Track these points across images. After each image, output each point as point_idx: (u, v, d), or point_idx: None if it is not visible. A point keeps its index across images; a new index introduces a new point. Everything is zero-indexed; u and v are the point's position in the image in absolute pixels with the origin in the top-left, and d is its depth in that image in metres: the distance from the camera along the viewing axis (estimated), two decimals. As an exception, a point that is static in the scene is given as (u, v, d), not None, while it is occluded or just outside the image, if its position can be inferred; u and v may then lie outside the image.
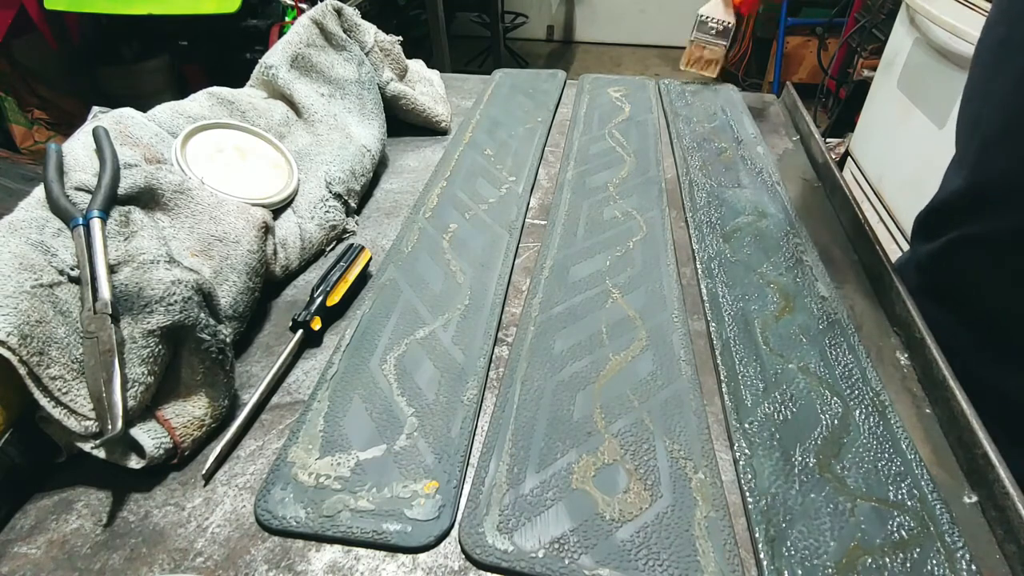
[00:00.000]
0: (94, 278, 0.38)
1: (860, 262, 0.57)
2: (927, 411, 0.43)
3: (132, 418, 0.36)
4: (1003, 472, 0.35)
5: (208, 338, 0.39)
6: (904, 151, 1.54)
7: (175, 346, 0.39)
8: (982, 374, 0.48)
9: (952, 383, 0.41)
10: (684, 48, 1.02)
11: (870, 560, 0.33)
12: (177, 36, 1.97)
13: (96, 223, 0.41)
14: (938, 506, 0.35)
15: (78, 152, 0.48)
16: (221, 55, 1.90)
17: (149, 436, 0.37)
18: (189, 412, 0.39)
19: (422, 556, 0.34)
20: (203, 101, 0.63)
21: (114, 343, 0.36)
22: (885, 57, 1.67)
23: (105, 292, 0.37)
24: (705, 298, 0.52)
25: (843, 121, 2.31)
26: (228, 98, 0.64)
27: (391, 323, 0.49)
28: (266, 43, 1.75)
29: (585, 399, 0.42)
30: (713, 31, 0.95)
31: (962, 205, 0.53)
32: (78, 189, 0.44)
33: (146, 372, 0.37)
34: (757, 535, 0.34)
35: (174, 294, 0.38)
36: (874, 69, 1.81)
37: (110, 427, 0.34)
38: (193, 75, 2.03)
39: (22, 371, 0.33)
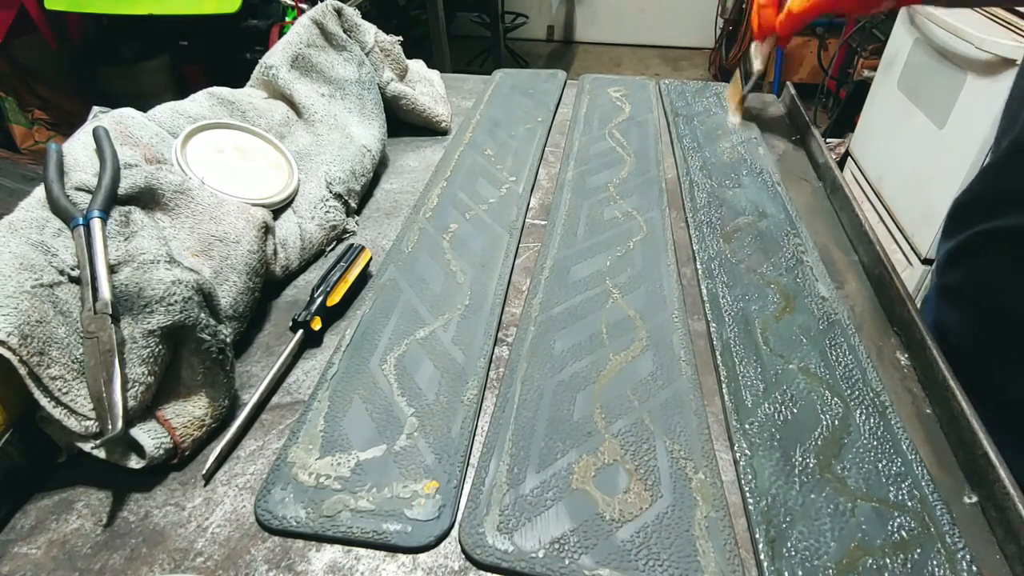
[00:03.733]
0: (94, 278, 0.38)
1: (860, 262, 0.57)
2: (927, 411, 0.43)
3: (132, 418, 0.36)
4: (1003, 472, 0.35)
5: (208, 338, 0.39)
6: (904, 151, 1.54)
7: (175, 346, 0.39)
8: (991, 379, 0.48)
9: (952, 383, 0.41)
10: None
11: (871, 561, 0.33)
12: (177, 36, 1.97)
13: (96, 223, 0.41)
14: (938, 506, 0.35)
15: (78, 152, 0.48)
16: (221, 55, 1.91)
17: (149, 436, 0.37)
18: (189, 412, 0.39)
19: (422, 556, 0.34)
20: (203, 101, 0.63)
21: (114, 343, 0.36)
22: (885, 57, 1.67)
23: (105, 292, 0.37)
24: (705, 298, 0.52)
25: (843, 121, 2.31)
26: (228, 98, 0.64)
27: (391, 323, 0.49)
28: (266, 43, 1.75)
29: (585, 399, 0.42)
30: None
31: (991, 198, 0.53)
32: (78, 189, 0.44)
33: (146, 372, 0.37)
34: (757, 535, 0.34)
35: (174, 294, 0.38)
36: (874, 69, 1.81)
37: (110, 427, 0.34)
38: (193, 75, 2.04)
39: (22, 371, 0.33)
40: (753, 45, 0.73)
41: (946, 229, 0.59)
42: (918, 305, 0.51)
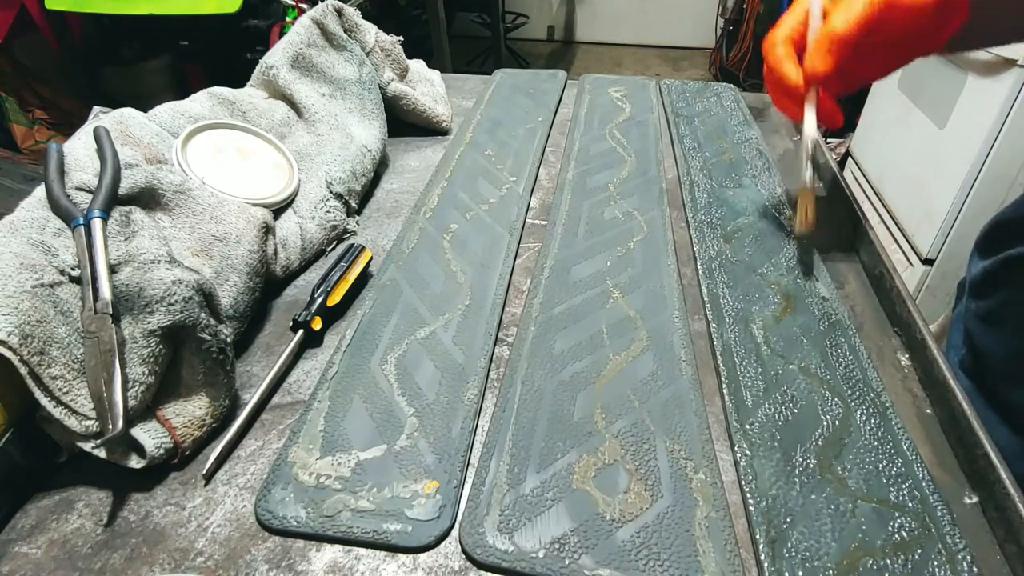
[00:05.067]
0: (95, 278, 0.38)
1: (861, 262, 0.57)
2: (928, 412, 0.43)
3: (133, 418, 0.36)
4: (1003, 472, 0.35)
5: (209, 338, 0.39)
6: (904, 151, 1.54)
7: (176, 346, 0.39)
8: None
9: (953, 383, 0.41)
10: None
11: (871, 561, 0.33)
12: (178, 36, 1.97)
13: (97, 223, 0.41)
14: (939, 507, 0.35)
15: (79, 152, 0.48)
16: (222, 55, 1.91)
17: (150, 436, 0.37)
18: (190, 412, 0.39)
19: (422, 556, 0.34)
20: (204, 101, 0.63)
21: (115, 343, 0.36)
22: (886, 57, 1.67)
23: (106, 292, 0.37)
24: (706, 298, 0.52)
25: (844, 121, 2.30)
26: (229, 98, 0.64)
27: (392, 323, 0.49)
28: (267, 43, 1.76)
29: (585, 399, 0.42)
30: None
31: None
32: (79, 189, 0.44)
33: (147, 372, 0.37)
34: (758, 536, 0.34)
35: (175, 294, 0.38)
36: (875, 69, 1.81)
37: (111, 427, 0.34)
38: (194, 75, 2.04)
39: (23, 371, 0.33)
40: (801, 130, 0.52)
41: (981, 247, 0.57)
42: (950, 322, 0.50)
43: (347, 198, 0.61)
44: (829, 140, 2.18)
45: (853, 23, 0.44)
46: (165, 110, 0.59)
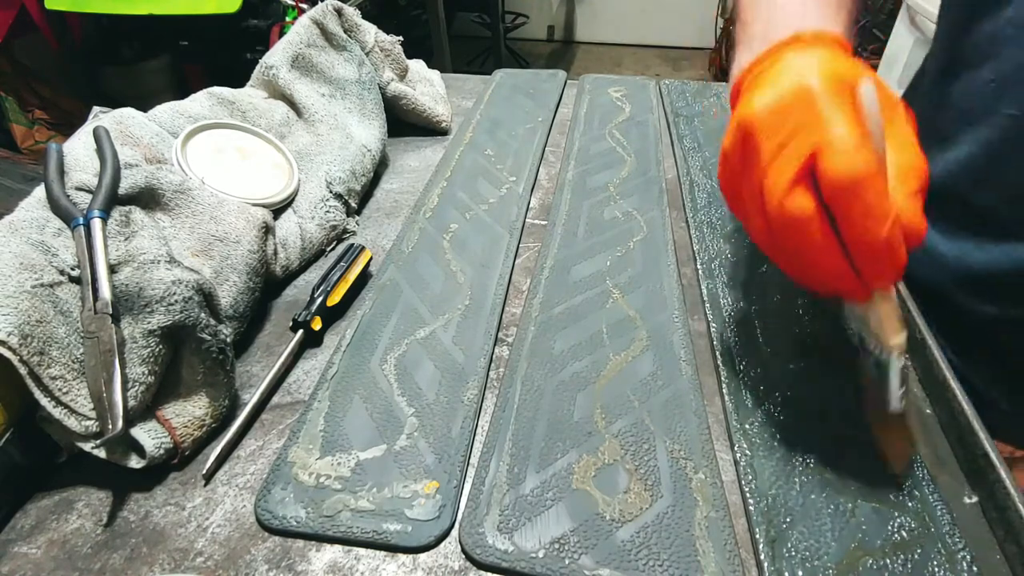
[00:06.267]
0: (94, 278, 0.38)
1: (861, 262, 0.57)
2: (927, 411, 0.43)
3: (132, 418, 0.36)
4: (1003, 472, 0.35)
5: (208, 338, 0.39)
6: (905, 151, 1.53)
7: (175, 346, 0.39)
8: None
9: (952, 383, 0.41)
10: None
11: (871, 561, 0.33)
12: (178, 36, 1.97)
13: (96, 223, 0.41)
14: (939, 507, 0.35)
15: (79, 152, 0.48)
16: (222, 55, 1.91)
17: (149, 436, 0.37)
18: (189, 412, 0.39)
19: (422, 556, 0.34)
20: (204, 101, 0.63)
21: (114, 343, 0.36)
22: (886, 57, 1.67)
23: (105, 292, 0.37)
24: (706, 298, 0.52)
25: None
26: (229, 98, 0.64)
27: (391, 323, 0.49)
28: (267, 43, 1.76)
29: (585, 399, 0.42)
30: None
31: None
32: (79, 189, 0.44)
33: (146, 372, 0.37)
34: (758, 536, 0.34)
35: (174, 294, 0.38)
36: (874, 69, 1.81)
37: (111, 427, 0.34)
38: (194, 75, 2.04)
39: (23, 371, 0.33)
40: (850, 309, 0.37)
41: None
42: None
43: (347, 198, 0.61)
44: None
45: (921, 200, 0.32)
46: (165, 110, 0.59)
